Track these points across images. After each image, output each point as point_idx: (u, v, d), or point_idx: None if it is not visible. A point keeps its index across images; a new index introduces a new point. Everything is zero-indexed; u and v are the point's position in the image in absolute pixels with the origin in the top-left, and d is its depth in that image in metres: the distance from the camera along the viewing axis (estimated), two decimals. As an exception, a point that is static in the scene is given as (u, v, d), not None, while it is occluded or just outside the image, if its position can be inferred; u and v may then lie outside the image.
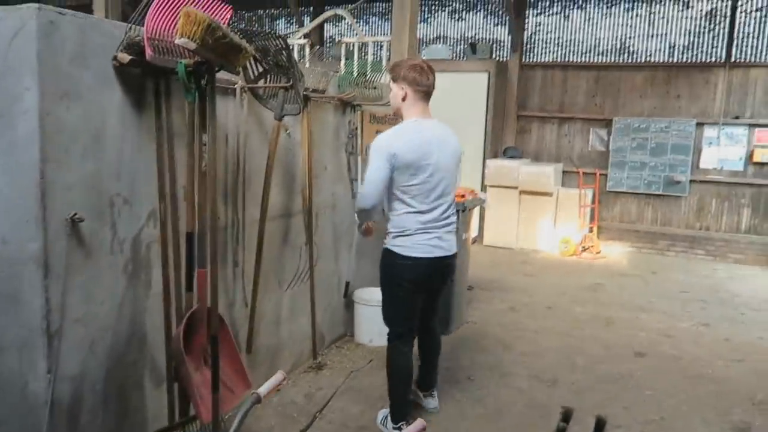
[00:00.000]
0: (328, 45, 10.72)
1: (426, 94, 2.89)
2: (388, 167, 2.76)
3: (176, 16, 2.29)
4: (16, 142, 2.10)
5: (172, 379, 2.57)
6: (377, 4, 10.14)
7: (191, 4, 2.37)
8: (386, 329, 3.11)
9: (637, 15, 8.84)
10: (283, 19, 11.27)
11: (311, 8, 10.52)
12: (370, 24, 10.50)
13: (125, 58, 2.26)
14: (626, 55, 8.94)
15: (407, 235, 2.89)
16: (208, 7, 2.45)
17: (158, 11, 2.28)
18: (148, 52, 2.24)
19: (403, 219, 2.88)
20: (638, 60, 8.82)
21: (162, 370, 2.62)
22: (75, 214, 2.17)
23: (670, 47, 8.66)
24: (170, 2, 2.33)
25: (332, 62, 8.79)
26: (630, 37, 8.91)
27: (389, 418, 3.11)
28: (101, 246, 2.32)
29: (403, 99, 2.87)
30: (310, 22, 9.72)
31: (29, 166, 2.09)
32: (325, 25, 10.53)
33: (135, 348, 2.53)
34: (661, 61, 8.67)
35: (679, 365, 4.25)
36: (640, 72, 8.60)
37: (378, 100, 4.32)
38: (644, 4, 8.81)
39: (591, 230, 8.29)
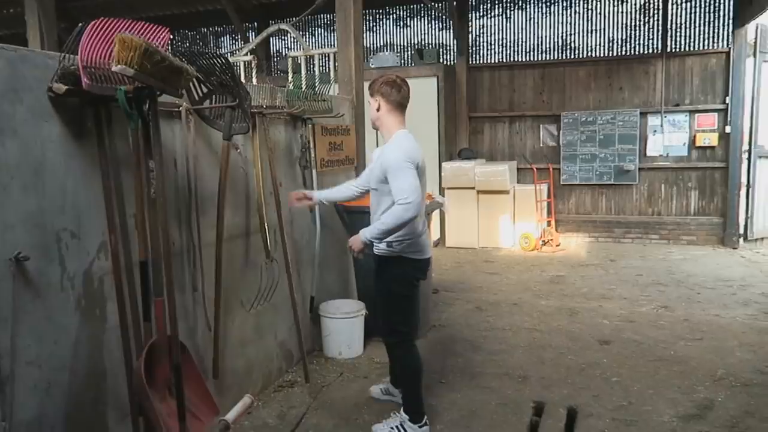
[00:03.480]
0: (275, 59, 10.67)
1: (399, 105, 3.12)
2: (416, 176, 2.96)
3: (111, 42, 2.24)
4: (-50, 183, 2.02)
5: (137, 412, 2.50)
6: (322, 15, 10.14)
7: (126, 29, 2.33)
8: (349, 343, 3.09)
9: (575, 12, 9.10)
10: (228, 36, 11.16)
11: (255, 24, 10.46)
12: (316, 36, 10.50)
13: (61, 88, 2.19)
14: (569, 51, 9.18)
15: (417, 241, 3.13)
16: (144, 31, 2.41)
17: (92, 38, 2.23)
18: (85, 81, 2.18)
19: (413, 225, 3.04)
20: (580, 56, 9.06)
21: (125, 405, 2.54)
22: (19, 252, 2.09)
23: (609, 41, 8.93)
24: (104, 29, 2.27)
25: (280, 77, 8.76)
26: (571, 34, 9.16)
27: (407, 422, 3.15)
28: (50, 283, 2.24)
29: (378, 110, 3.12)
30: (255, 37, 9.67)
31: (-34, 207, 2.01)
32: (271, 39, 10.48)
33: (94, 385, 2.45)
34: (602, 55, 8.94)
35: (642, 349, 4.37)
36: (582, 67, 8.85)
37: (328, 112, 4.32)
38: (581, 1, 9.08)
39: (549, 224, 8.46)
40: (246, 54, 5.76)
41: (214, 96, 3.02)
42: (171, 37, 2.54)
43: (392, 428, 3.19)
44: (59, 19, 8.07)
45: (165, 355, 2.44)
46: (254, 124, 3.40)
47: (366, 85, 5.61)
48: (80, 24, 2.28)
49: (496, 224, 8.37)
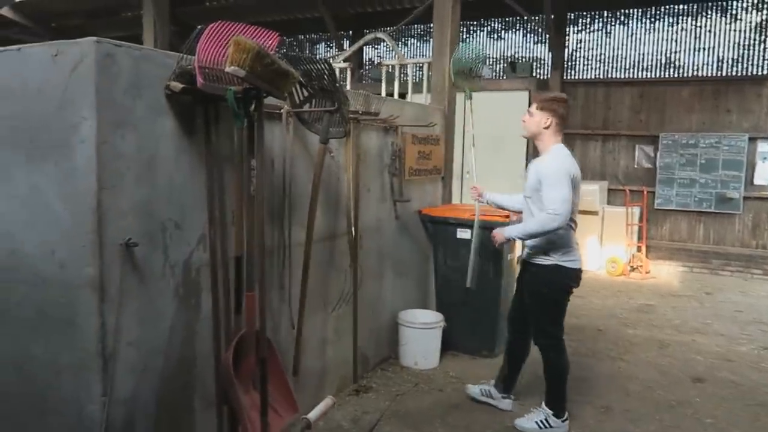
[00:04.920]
0: (367, 67, 10.85)
1: (564, 125, 3.36)
2: (571, 187, 3.12)
3: (226, 44, 2.34)
4: (74, 170, 2.17)
5: (222, 401, 2.58)
6: (416, 26, 10.22)
7: (240, 32, 2.43)
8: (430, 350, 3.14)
9: (682, 29, 8.66)
10: (323, 44, 11.46)
11: (350, 32, 10.69)
12: (409, 46, 10.59)
13: (177, 86, 2.31)
14: (671, 69, 8.75)
15: (573, 251, 3.29)
16: (255, 35, 2.50)
17: (209, 40, 2.34)
18: (199, 80, 2.29)
19: (569, 236, 3.26)
20: (684, 75, 8.60)
21: (211, 393, 2.63)
22: (129, 239, 2.22)
23: (718, 61, 8.43)
24: (220, 31, 2.38)
25: (371, 84, 8.89)
26: (675, 52, 8.72)
27: (552, 416, 3.35)
28: (154, 270, 2.36)
29: (546, 127, 3.26)
30: (350, 45, 9.86)
31: (86, 193, 2.15)
32: (364, 47, 10.67)
33: (185, 371, 2.55)
34: (709, 75, 8.43)
35: (740, 392, 4.04)
36: (686, 86, 8.39)
37: (479, 88, 4.32)
38: (690, 18, 8.62)
39: (639, 249, 8.05)
40: (341, 62, 5.89)
41: (313, 100, 3.09)
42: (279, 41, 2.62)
43: (538, 423, 3.35)
44: (171, 23, 8.61)
45: (252, 349, 2.50)
46: (348, 129, 3.45)
47: (458, 96, 5.59)
48: (198, 26, 2.40)
49: (582, 245, 7.99)
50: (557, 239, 3.22)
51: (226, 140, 2.62)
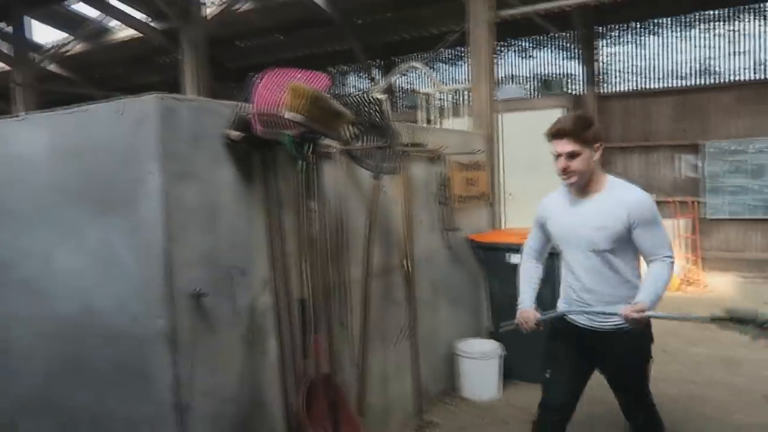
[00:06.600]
0: (397, 95, 10.92)
1: None
2: None
3: (280, 90, 2.37)
4: (141, 223, 2.21)
5: (292, 447, 2.55)
6: (444, 51, 10.28)
7: (294, 77, 2.46)
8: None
9: (717, 34, 8.49)
10: (354, 74, 11.59)
11: (379, 60, 10.80)
12: (438, 71, 10.63)
13: (239, 135, 2.34)
14: (709, 76, 8.55)
15: None
16: (308, 79, 2.53)
17: (265, 88, 2.37)
18: (259, 127, 2.32)
19: None
20: (724, 80, 8.40)
21: (281, 438, 2.60)
22: (199, 289, 2.23)
23: (759, 63, 8.21)
24: (275, 78, 2.42)
25: (406, 112, 8.94)
26: (712, 58, 8.54)
27: None
28: (222, 318, 2.37)
29: (596, 159, 2.63)
30: (380, 74, 9.95)
31: (154, 245, 2.18)
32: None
33: (256, 417, 2.53)
34: (750, 78, 8.22)
35: (824, 410, 3.82)
36: (727, 92, 8.19)
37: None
38: (723, 23, 8.45)
39: (694, 262, 7.78)
40: (380, 93, 5.94)
41: (364, 136, 3.10)
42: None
43: None
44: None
45: (321, 392, 2.47)
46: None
47: (499, 117, 5.55)
48: (252, 75, 2.44)
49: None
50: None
51: (283, 183, 2.63)
